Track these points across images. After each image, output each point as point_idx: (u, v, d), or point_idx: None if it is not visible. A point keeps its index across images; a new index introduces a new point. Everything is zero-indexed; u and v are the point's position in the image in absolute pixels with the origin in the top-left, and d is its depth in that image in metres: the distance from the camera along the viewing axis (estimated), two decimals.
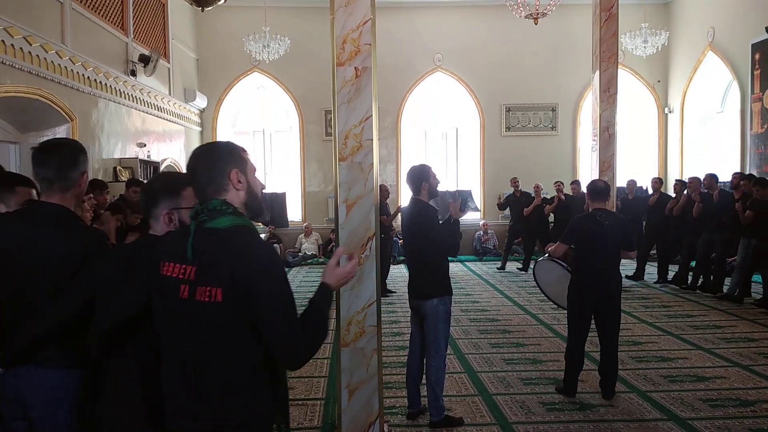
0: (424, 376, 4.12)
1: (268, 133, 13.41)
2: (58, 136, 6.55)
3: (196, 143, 11.93)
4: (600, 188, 4.56)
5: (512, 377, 4.96)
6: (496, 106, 12.86)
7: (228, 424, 1.68)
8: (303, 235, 12.39)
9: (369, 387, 3.49)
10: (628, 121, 12.73)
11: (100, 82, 7.76)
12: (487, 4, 12.12)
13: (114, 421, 1.97)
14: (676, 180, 9.65)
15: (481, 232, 12.55)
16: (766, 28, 9.38)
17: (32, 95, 6.22)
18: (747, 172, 9.57)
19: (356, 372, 3.48)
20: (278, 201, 10.69)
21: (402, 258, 11.05)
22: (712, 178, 8.36)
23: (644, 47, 10.94)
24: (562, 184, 10.36)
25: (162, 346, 1.76)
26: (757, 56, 9.95)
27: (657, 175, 12.00)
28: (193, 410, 1.69)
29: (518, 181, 10.91)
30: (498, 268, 10.79)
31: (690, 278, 8.61)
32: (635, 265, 9.41)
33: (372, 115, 3.44)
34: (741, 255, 7.59)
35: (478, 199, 12.38)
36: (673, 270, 9.12)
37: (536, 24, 9.54)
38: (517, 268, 10.63)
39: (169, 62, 10.57)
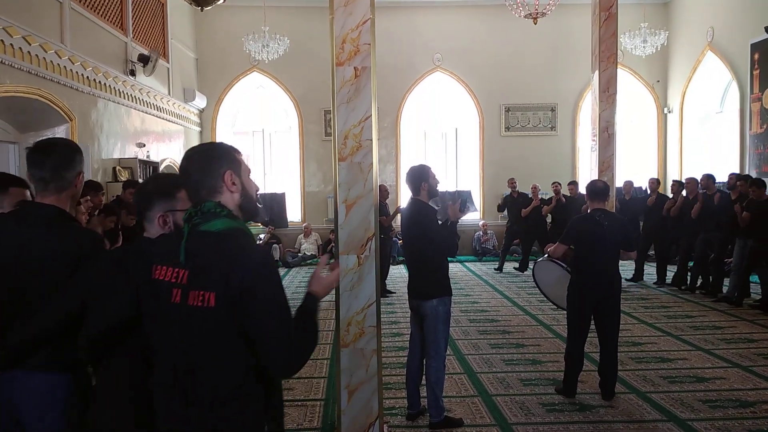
0: (423, 377, 4.12)
1: (267, 133, 13.40)
2: (57, 136, 6.53)
3: (195, 143, 11.88)
4: (599, 188, 4.56)
5: (512, 378, 4.95)
6: (495, 106, 12.86)
7: (220, 431, 1.65)
8: (302, 235, 12.38)
9: (369, 388, 3.48)
10: (627, 121, 12.73)
11: (100, 82, 7.75)
12: (487, 4, 12.12)
13: (103, 426, 1.94)
14: (674, 180, 9.66)
15: (481, 233, 12.55)
16: (765, 28, 9.38)
17: (31, 95, 6.21)
18: (746, 173, 9.58)
19: (356, 373, 3.48)
20: (278, 201, 10.69)
21: (401, 258, 11.04)
22: (709, 178, 8.36)
23: (643, 47, 10.95)
24: (560, 184, 10.35)
25: (153, 351, 1.73)
26: (756, 56, 9.95)
27: (656, 176, 12.04)
28: (184, 416, 1.65)
29: (515, 182, 10.90)
30: (495, 269, 10.78)
31: (689, 279, 8.60)
32: (633, 267, 9.40)
33: (371, 115, 3.44)
34: (737, 256, 7.60)
35: (477, 199, 12.38)
36: (671, 271, 9.12)
37: (536, 24, 9.53)
38: (514, 268, 10.61)
39: (168, 62, 10.56)
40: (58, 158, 2.19)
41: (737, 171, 9.45)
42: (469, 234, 12.37)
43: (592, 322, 4.50)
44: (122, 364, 1.90)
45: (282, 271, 11.24)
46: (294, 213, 12.42)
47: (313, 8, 11.50)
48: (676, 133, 12.66)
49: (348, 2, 3.39)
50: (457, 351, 5.72)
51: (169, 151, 10.46)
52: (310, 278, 1.87)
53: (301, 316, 1.74)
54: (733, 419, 4.07)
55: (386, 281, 8.64)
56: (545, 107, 12.94)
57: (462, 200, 4.06)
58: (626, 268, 9.10)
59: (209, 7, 7.81)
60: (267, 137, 13.40)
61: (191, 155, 1.76)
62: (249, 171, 1.81)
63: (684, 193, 8.72)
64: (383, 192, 8.68)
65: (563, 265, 4.65)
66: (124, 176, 8.12)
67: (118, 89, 8.36)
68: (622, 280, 4.84)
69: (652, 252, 9.65)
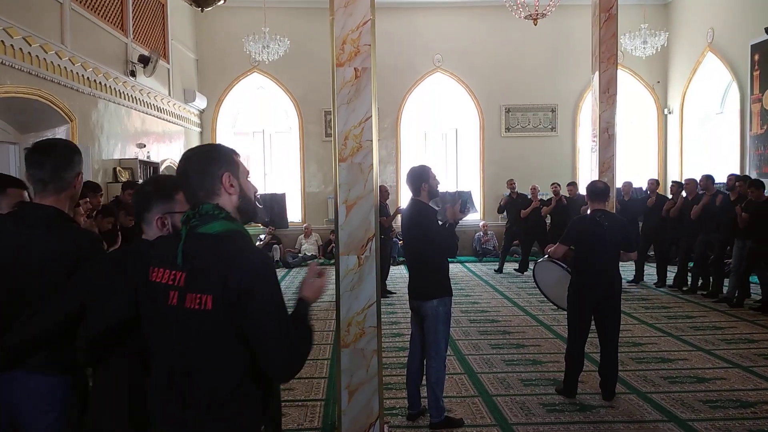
0: (424, 377, 4.12)
1: (267, 133, 13.41)
2: (57, 137, 6.54)
3: (195, 144, 11.89)
4: (600, 189, 4.56)
5: (512, 378, 4.95)
6: (495, 107, 12.86)
7: None
8: (303, 235, 12.39)
9: (369, 388, 3.48)
10: (627, 122, 12.73)
11: (100, 83, 7.76)
12: (487, 4, 12.12)
13: (101, 427, 1.94)
14: (673, 181, 9.65)
15: (481, 233, 12.54)
16: (765, 29, 9.39)
17: (32, 96, 6.21)
18: (747, 173, 9.58)
19: (356, 373, 3.48)
20: (278, 202, 10.69)
21: (402, 259, 11.04)
22: (708, 179, 8.36)
23: (644, 48, 10.94)
24: (559, 185, 10.35)
25: (150, 353, 1.72)
26: (756, 57, 9.96)
27: (656, 177, 12.04)
28: (181, 419, 1.64)
29: (514, 183, 10.89)
30: (495, 271, 10.77)
31: (690, 280, 8.60)
32: (634, 269, 9.39)
33: (372, 116, 3.44)
34: (736, 257, 7.60)
35: (477, 200, 12.38)
36: (672, 272, 9.11)
37: (536, 25, 9.54)
38: (514, 269, 10.60)
39: (168, 63, 10.57)
40: (57, 159, 2.19)
41: (737, 172, 9.44)
42: (469, 234, 12.37)
43: (593, 322, 4.50)
44: (121, 365, 1.89)
45: (282, 271, 11.25)
46: (294, 213, 12.42)
47: (314, 9, 11.51)
48: (676, 134, 12.66)
49: (348, 3, 3.39)
50: (458, 351, 5.72)
51: (169, 152, 10.47)
52: (301, 284, 1.89)
53: (295, 321, 1.74)
54: (734, 419, 4.07)
55: (387, 282, 8.65)
56: (545, 108, 12.94)
57: (462, 201, 4.06)
58: (626, 270, 9.11)
59: (209, 8, 7.81)
60: (267, 138, 13.41)
61: (189, 157, 1.74)
62: (247, 173, 1.80)
63: (684, 194, 8.72)
64: (383, 192, 8.68)
65: (563, 265, 4.65)
66: (124, 177, 8.12)
67: (119, 90, 8.36)
68: (623, 282, 4.84)
69: (652, 253, 9.65)
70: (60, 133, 6.84)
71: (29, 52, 6.10)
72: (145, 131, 9.46)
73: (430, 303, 3.94)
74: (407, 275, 4.42)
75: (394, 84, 12.16)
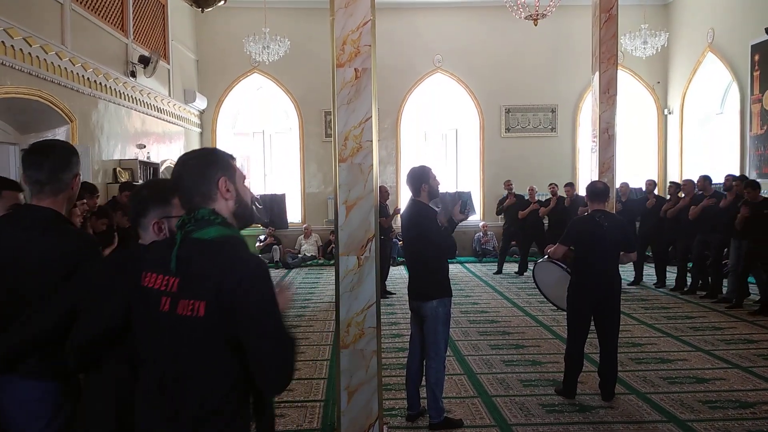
0: (423, 378, 4.12)
1: (267, 134, 13.42)
2: (57, 138, 6.54)
3: (195, 144, 11.95)
4: (599, 189, 4.56)
5: (512, 379, 4.96)
6: (495, 108, 12.86)
7: None
8: (302, 236, 12.39)
9: (368, 389, 3.48)
10: (627, 123, 12.72)
11: (100, 84, 7.76)
12: (487, 5, 12.13)
13: None
14: (671, 182, 9.66)
15: (481, 234, 12.54)
16: (765, 29, 9.39)
17: (32, 96, 6.22)
18: (747, 174, 9.58)
19: (356, 374, 3.48)
20: (278, 202, 10.72)
21: (402, 259, 11.04)
22: (705, 179, 8.36)
23: (644, 48, 10.94)
24: (557, 186, 10.35)
25: (140, 360, 1.68)
26: (756, 57, 9.96)
27: (656, 177, 12.04)
28: (169, 429, 1.61)
29: (512, 184, 10.88)
30: (495, 273, 10.73)
31: (689, 281, 8.60)
32: (633, 271, 9.38)
33: (372, 117, 3.44)
34: (733, 257, 7.61)
35: (477, 200, 12.37)
36: (671, 272, 9.11)
37: (536, 25, 9.55)
38: (514, 273, 10.56)
39: (168, 63, 10.58)
40: (55, 160, 2.17)
41: (737, 172, 9.44)
42: (469, 235, 12.37)
43: (592, 323, 4.50)
44: (113, 371, 1.86)
45: (282, 272, 11.25)
46: (294, 214, 12.43)
47: (314, 10, 11.52)
48: (676, 135, 12.66)
49: (348, 4, 3.39)
50: (457, 352, 5.73)
51: (169, 153, 10.47)
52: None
53: None
54: (733, 420, 4.07)
55: (386, 282, 8.64)
56: (545, 108, 12.94)
57: (462, 201, 4.06)
58: (626, 271, 9.11)
59: (210, 9, 7.81)
60: (267, 138, 13.41)
61: (185, 161, 1.72)
62: (244, 177, 1.78)
63: (681, 194, 8.72)
64: (383, 193, 8.68)
65: (563, 266, 4.65)
66: (124, 177, 8.13)
67: (119, 90, 8.37)
68: (623, 283, 4.84)
69: (650, 254, 9.65)
70: (60, 133, 6.85)
71: (29, 53, 6.11)
72: (145, 132, 9.47)
73: (429, 304, 3.94)
74: (407, 276, 4.42)
75: (394, 84, 12.16)
